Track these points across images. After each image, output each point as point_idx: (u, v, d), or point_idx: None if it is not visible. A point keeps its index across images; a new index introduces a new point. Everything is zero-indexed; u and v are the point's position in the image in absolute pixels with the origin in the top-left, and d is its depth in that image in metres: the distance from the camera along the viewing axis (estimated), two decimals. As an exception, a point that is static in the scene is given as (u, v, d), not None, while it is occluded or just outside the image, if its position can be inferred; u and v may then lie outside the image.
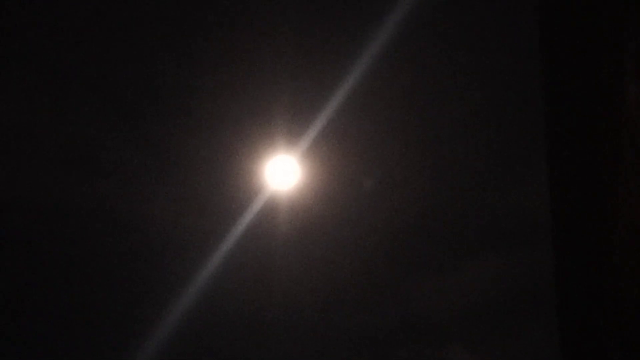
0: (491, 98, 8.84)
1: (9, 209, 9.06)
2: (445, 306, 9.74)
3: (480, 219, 9.32)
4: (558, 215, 2.64)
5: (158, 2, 8.30)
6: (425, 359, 9.78)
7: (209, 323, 9.59)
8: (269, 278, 9.42)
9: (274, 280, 9.42)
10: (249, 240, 9.19)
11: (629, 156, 2.40)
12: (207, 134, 8.89)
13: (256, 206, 9.06)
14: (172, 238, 9.26)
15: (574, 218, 2.58)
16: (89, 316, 9.49)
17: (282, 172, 9.02)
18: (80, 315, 9.48)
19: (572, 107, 2.58)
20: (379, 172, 9.13)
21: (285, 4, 8.31)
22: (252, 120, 8.79)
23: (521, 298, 9.38)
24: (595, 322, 2.50)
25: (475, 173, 9.18)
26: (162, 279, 9.35)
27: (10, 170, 8.88)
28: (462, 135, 8.99)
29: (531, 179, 8.98)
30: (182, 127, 8.88)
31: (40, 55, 8.46)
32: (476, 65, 8.68)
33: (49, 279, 9.31)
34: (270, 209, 9.12)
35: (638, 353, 2.37)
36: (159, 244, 9.26)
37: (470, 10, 8.43)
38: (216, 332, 9.68)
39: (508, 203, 9.26)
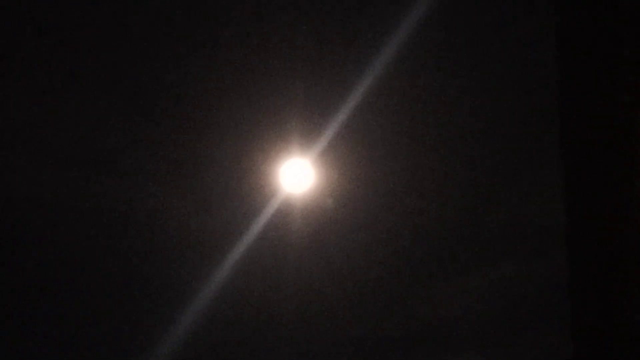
0: (510, 103, 8.79)
1: (21, 208, 9.06)
2: (460, 312, 9.68)
3: (496, 224, 9.26)
4: (572, 222, 2.59)
5: (170, 2, 8.28)
6: (440, 365, 9.73)
7: (220, 325, 9.56)
8: (282, 282, 9.39)
9: (287, 284, 9.39)
10: (263, 243, 9.17)
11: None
12: (221, 136, 8.86)
13: (270, 209, 9.03)
14: (185, 240, 9.24)
15: (589, 225, 2.53)
16: (98, 317, 9.47)
17: (297, 175, 8.98)
18: (89, 317, 9.47)
19: (588, 113, 2.53)
20: (394, 175, 9.07)
21: (301, 4, 8.28)
22: (266, 121, 8.76)
23: (536, 305, 9.31)
24: (609, 331, 2.46)
25: (494, 178, 9.12)
26: (174, 282, 9.33)
27: (21, 170, 8.88)
28: (480, 137, 8.94)
29: (547, 184, 8.91)
30: (195, 127, 8.85)
31: (49, 53, 8.45)
32: (495, 69, 8.63)
33: (59, 279, 9.30)
34: (284, 212, 9.09)
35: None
36: (171, 246, 9.25)
37: (488, 15, 8.38)
38: (227, 335, 9.66)
39: (523, 209, 9.19)
